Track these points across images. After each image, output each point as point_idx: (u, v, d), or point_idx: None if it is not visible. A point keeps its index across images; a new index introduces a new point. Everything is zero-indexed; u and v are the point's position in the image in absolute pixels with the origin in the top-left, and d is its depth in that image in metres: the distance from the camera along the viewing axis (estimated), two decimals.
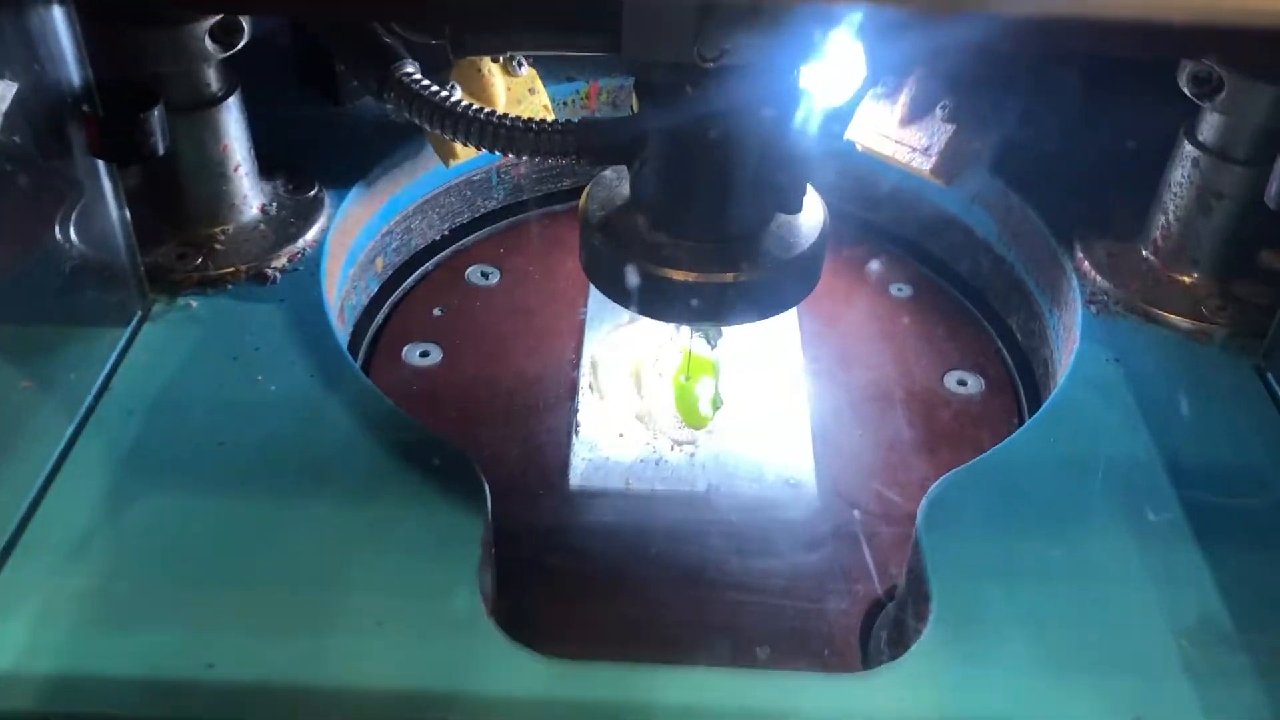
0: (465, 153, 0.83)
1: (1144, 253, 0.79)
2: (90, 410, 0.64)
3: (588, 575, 0.70)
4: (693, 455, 0.78)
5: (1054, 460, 0.65)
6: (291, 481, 0.61)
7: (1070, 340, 0.77)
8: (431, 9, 0.61)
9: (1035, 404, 0.83)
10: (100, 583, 0.55)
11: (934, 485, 0.62)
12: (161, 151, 0.64)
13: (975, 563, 0.59)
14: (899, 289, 0.93)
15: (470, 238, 0.96)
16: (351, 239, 0.83)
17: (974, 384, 0.84)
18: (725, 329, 0.85)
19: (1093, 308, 0.76)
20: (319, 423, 0.64)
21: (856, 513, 0.74)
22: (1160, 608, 0.56)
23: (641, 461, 0.77)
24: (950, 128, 0.81)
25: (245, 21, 0.69)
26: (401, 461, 0.62)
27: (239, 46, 0.70)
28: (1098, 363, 0.71)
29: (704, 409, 0.81)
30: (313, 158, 0.84)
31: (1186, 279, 0.77)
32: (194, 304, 0.72)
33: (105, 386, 0.65)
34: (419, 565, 0.57)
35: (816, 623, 0.67)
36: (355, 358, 0.84)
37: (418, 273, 0.92)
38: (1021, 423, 0.82)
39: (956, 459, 0.77)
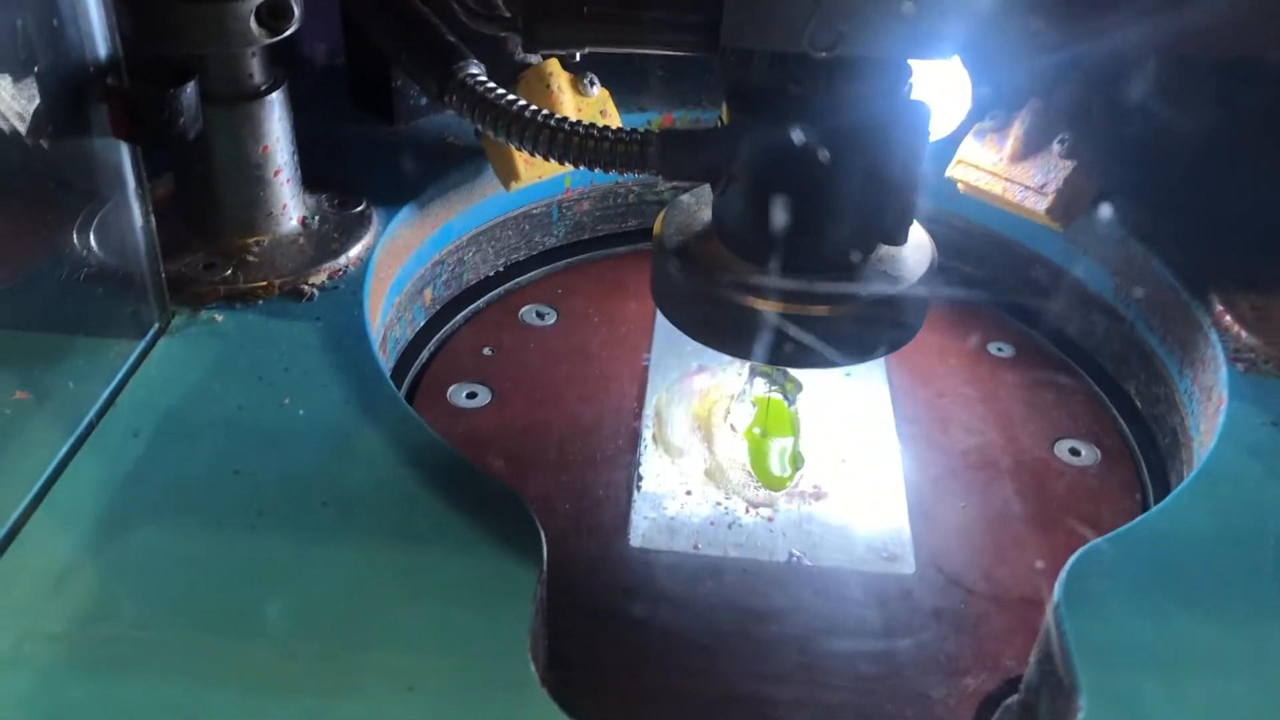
0: (529, 174, 0.75)
1: None
2: (91, 427, 0.55)
3: (651, 646, 0.60)
4: (771, 520, 0.68)
5: (1213, 532, 0.54)
6: (315, 517, 0.52)
7: (1210, 404, 0.67)
8: None
9: (1160, 477, 0.73)
10: (80, 624, 0.46)
11: (1075, 557, 0.52)
12: (192, 135, 0.56)
13: (1130, 650, 0.48)
14: (999, 348, 0.83)
15: (526, 275, 0.88)
16: (399, 264, 0.75)
17: (1088, 454, 0.74)
18: (805, 381, 0.76)
19: (1239, 366, 0.66)
20: (351, 453, 0.55)
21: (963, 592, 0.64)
22: None
23: (712, 524, 0.68)
24: (1069, 164, 0.73)
25: (295, 5, 0.62)
26: (444, 500, 0.53)
27: (287, 33, 0.62)
28: (1252, 426, 0.61)
29: (782, 468, 0.72)
30: (363, 175, 0.77)
31: None
32: (219, 318, 0.63)
33: (111, 402, 0.57)
34: (460, 621, 0.47)
35: (919, 718, 0.57)
36: None
37: (469, 309, 0.84)
38: (1146, 498, 0.72)
39: (1073, 537, 0.68)
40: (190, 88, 0.54)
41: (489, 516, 0.52)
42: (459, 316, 0.83)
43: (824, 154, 0.57)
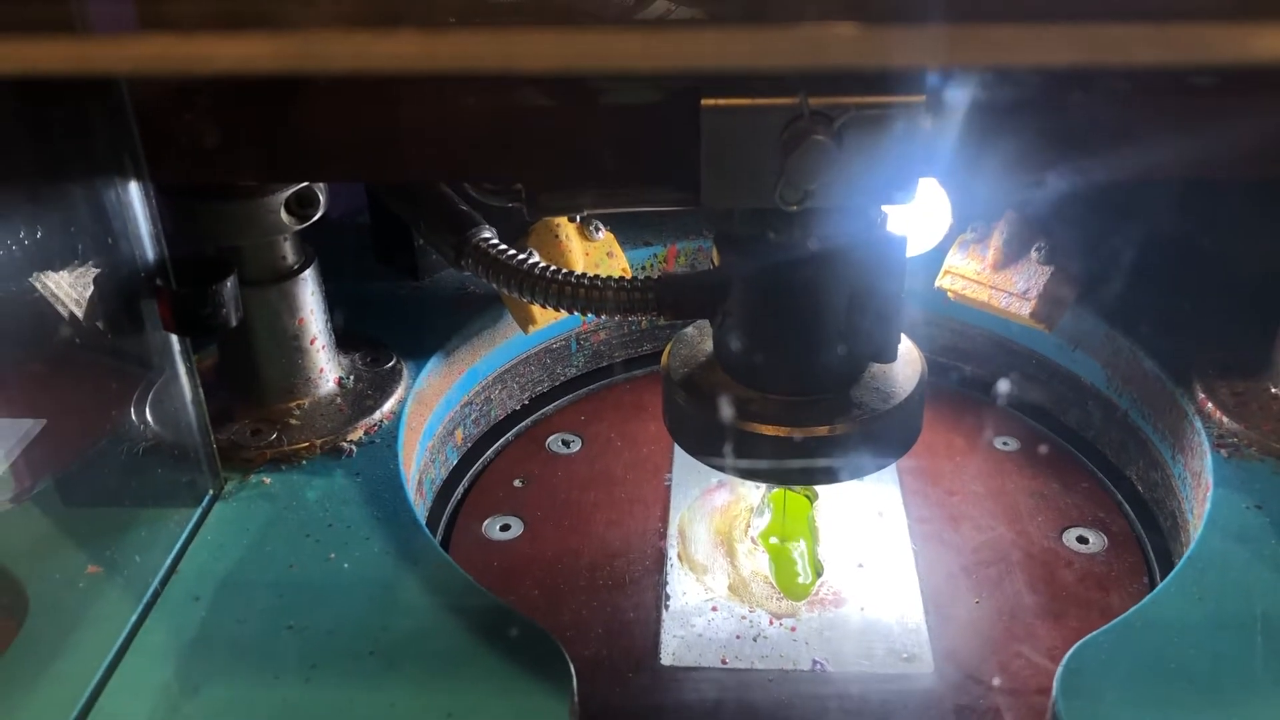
0: (544, 318, 0.81)
1: (1273, 390, 0.73)
2: (156, 595, 0.61)
3: None
4: (794, 630, 0.72)
5: (1204, 620, 0.58)
6: (363, 667, 0.56)
7: (1200, 488, 0.70)
8: (506, 167, 0.60)
9: (1165, 559, 0.76)
10: None
11: (1071, 651, 0.56)
12: (234, 324, 0.62)
13: None
14: (1004, 443, 0.87)
15: (550, 406, 0.93)
16: (430, 411, 0.81)
17: (1096, 541, 0.77)
18: (821, 489, 0.81)
19: (1223, 451, 0.70)
20: (393, 602, 0.60)
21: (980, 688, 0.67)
22: None
23: (738, 637, 0.71)
24: (1048, 269, 0.77)
25: (321, 194, 0.68)
26: (480, 642, 0.57)
27: (314, 219, 0.69)
28: (1237, 511, 0.65)
29: (802, 577, 0.76)
30: (392, 331, 0.83)
31: None
32: (267, 480, 0.69)
33: (173, 569, 0.62)
34: None
35: None
36: (434, 533, 0.80)
37: (498, 444, 0.89)
38: (1153, 580, 0.75)
39: (1086, 624, 0.71)
40: (230, 282, 0.61)
41: (522, 655, 0.56)
42: (489, 451, 0.88)
43: (807, 287, 0.62)
